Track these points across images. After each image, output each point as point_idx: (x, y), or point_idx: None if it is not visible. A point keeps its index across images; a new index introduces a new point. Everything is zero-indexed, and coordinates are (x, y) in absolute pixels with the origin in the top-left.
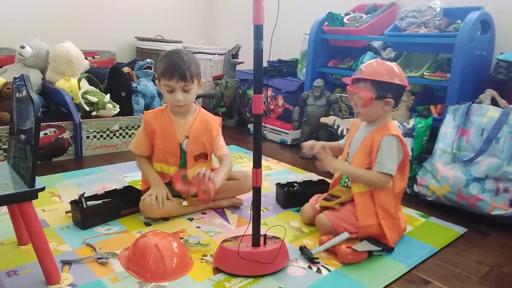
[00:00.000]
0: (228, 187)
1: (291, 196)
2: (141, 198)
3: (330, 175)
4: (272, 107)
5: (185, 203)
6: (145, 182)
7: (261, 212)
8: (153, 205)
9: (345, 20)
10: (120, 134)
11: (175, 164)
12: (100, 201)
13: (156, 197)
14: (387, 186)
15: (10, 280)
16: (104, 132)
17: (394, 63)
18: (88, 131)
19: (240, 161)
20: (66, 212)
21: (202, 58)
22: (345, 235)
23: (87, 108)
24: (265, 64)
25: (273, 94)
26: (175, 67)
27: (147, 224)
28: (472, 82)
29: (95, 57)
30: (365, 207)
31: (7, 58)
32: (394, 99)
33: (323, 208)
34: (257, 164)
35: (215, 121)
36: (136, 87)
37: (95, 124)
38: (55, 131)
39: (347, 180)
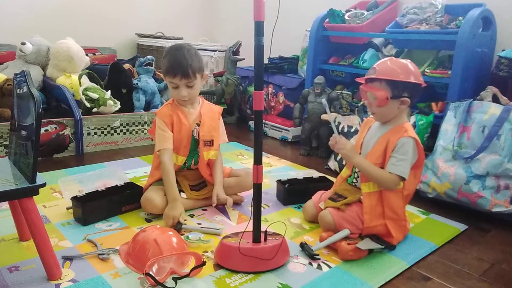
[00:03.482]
0: (229, 184)
1: (292, 193)
2: (143, 192)
3: (331, 172)
4: (273, 104)
5: (184, 195)
6: (152, 176)
7: (262, 208)
8: (154, 200)
9: (346, 16)
10: (121, 130)
11: (184, 154)
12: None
13: (173, 220)
14: (395, 188)
15: (12, 275)
16: (105, 128)
17: (409, 60)
18: (89, 128)
19: (240, 157)
20: (67, 208)
21: (203, 55)
22: (345, 232)
23: (88, 105)
24: (266, 61)
25: (274, 91)
26: (177, 65)
27: (148, 221)
28: (473, 79)
29: (96, 53)
30: (372, 208)
31: (8, 55)
32: (410, 98)
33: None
34: (257, 161)
35: (218, 109)
36: (137, 83)
37: (96, 121)
38: (56, 128)
39: (354, 179)
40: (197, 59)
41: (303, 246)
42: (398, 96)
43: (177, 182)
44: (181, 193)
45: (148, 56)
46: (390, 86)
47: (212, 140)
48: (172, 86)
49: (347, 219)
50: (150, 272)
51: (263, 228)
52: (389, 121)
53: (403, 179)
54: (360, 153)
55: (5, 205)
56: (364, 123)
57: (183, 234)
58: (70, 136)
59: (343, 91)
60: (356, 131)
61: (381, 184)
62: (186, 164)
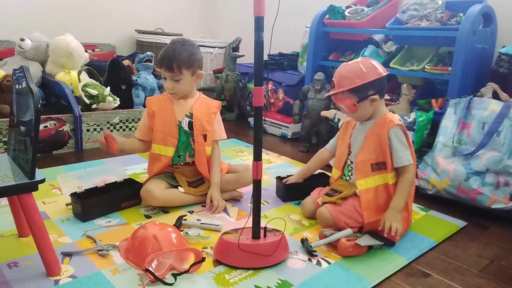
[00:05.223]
0: (228, 180)
1: (291, 189)
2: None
3: (330, 169)
4: (272, 100)
5: (181, 189)
6: (150, 172)
7: (261, 205)
8: (153, 191)
9: (346, 13)
10: (120, 127)
11: (172, 145)
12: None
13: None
14: (414, 175)
15: (11, 271)
16: (104, 125)
17: (359, 59)
18: (88, 124)
19: (240, 154)
20: (67, 205)
21: (203, 51)
22: (348, 231)
23: (87, 101)
24: (265, 58)
25: (273, 87)
26: (164, 57)
27: (147, 217)
28: (474, 75)
29: (95, 50)
30: (370, 204)
31: (7, 51)
32: (378, 92)
33: (325, 203)
34: (257, 157)
35: (215, 104)
36: (136, 80)
37: (95, 117)
38: (55, 124)
39: (348, 177)
40: (189, 55)
41: (304, 242)
42: (364, 97)
43: (175, 178)
44: (179, 187)
45: (148, 53)
46: (352, 93)
47: (205, 135)
48: (162, 77)
49: (344, 213)
50: (150, 268)
51: (262, 224)
52: (371, 117)
53: (412, 165)
54: (349, 153)
55: (4, 201)
56: (345, 124)
57: (182, 230)
58: (69, 133)
59: None
60: None
61: (411, 185)
62: (181, 156)
